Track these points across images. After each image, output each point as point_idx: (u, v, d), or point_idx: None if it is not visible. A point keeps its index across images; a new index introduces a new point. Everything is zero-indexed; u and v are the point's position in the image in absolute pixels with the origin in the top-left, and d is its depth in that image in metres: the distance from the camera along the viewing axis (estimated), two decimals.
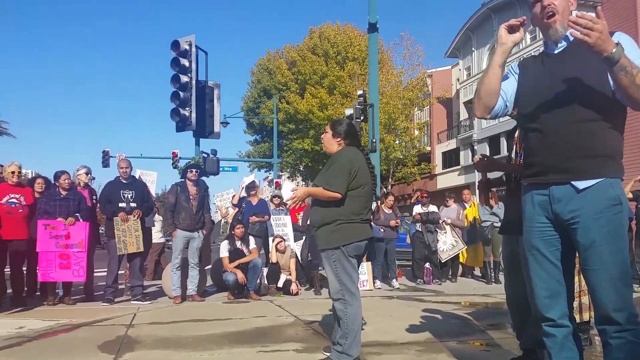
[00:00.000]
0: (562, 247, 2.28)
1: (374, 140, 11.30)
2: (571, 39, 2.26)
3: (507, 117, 3.35)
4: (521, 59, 2.58)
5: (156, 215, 8.99)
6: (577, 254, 2.32)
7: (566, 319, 2.31)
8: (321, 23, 33.28)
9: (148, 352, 4.12)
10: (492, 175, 3.89)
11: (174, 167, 19.62)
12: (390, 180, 29.19)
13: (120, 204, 6.86)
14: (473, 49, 31.28)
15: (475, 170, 3.67)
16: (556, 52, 2.31)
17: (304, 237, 8.88)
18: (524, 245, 2.42)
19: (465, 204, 10.38)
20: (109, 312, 6.01)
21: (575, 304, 3.97)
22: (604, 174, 2.14)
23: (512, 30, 2.27)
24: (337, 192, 3.47)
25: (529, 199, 2.37)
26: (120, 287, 7.48)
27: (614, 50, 1.94)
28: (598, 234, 2.12)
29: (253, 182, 9.47)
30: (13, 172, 6.57)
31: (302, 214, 9.29)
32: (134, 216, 6.77)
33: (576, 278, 2.91)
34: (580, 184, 2.16)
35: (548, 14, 2.23)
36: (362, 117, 11.38)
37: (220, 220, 10.70)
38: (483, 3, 29.58)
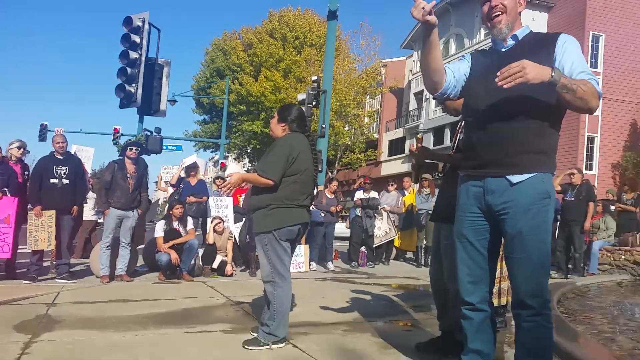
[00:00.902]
0: (490, 236, 2.40)
1: (324, 126, 11.36)
2: (520, 37, 2.38)
3: None
4: (463, 55, 2.66)
5: (89, 192, 8.72)
6: (501, 243, 2.46)
7: (485, 304, 2.45)
8: (282, 7, 32.86)
9: (68, 332, 4.00)
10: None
11: (115, 144, 19.05)
12: (336, 165, 29.45)
13: (53, 180, 6.61)
14: None
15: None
16: (504, 49, 2.40)
17: (244, 219, 8.86)
18: (454, 232, 2.53)
19: (405, 191, 10.67)
20: (31, 291, 5.79)
21: (495, 288, 4.18)
22: (537, 169, 2.26)
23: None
24: (270, 178, 3.51)
25: (464, 189, 2.47)
26: (45, 264, 7.23)
27: (553, 74, 2.07)
28: (525, 225, 2.24)
29: (194, 162, 9.36)
30: None
31: (243, 196, 9.27)
32: (48, 214, 6.52)
33: (499, 265, 3.06)
34: (514, 178, 2.27)
35: (494, 14, 2.33)
36: (314, 103, 11.40)
37: (158, 199, 10.51)
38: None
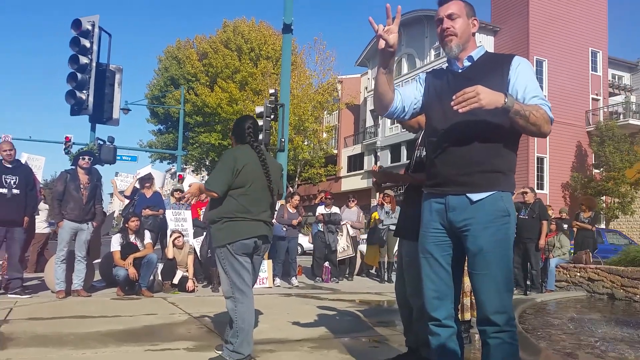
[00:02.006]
0: (453, 252, 2.42)
1: (283, 140, 11.33)
2: (475, 58, 2.44)
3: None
4: (415, 77, 2.70)
5: (41, 203, 8.32)
6: (465, 259, 2.47)
7: (451, 320, 2.46)
8: (236, 17, 32.68)
9: (23, 350, 3.79)
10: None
11: (66, 153, 18.35)
12: (297, 180, 29.43)
13: (1, 190, 6.27)
14: None
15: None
16: (460, 70, 2.46)
17: (204, 233, 8.66)
18: (419, 248, 2.54)
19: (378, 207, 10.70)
20: None
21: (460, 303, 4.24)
22: (496, 188, 2.31)
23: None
24: (212, 190, 3.50)
25: (427, 206, 2.50)
26: None
27: (506, 100, 2.11)
28: (486, 242, 2.28)
29: (149, 174, 9.11)
30: None
31: (204, 209, 9.07)
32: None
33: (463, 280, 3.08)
34: (474, 196, 2.31)
35: (445, 35, 2.41)
36: (272, 116, 11.35)
37: (113, 212, 10.15)
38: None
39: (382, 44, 2.25)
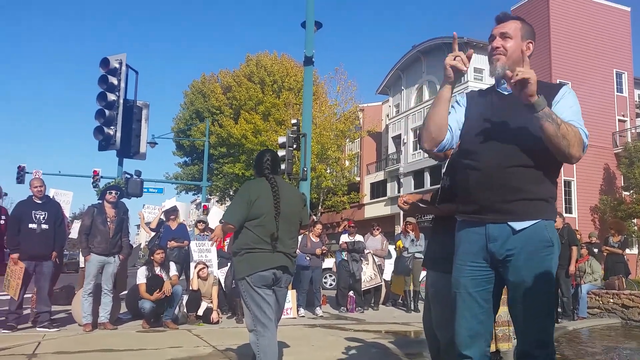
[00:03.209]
0: (490, 286, 2.29)
1: (305, 169, 11.39)
2: None
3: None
4: (465, 92, 2.60)
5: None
6: (501, 294, 2.37)
7: (484, 359, 2.32)
8: (258, 51, 33.40)
9: None
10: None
11: (94, 187, 18.77)
12: (320, 208, 29.42)
13: (31, 225, 6.43)
14: (402, 87, 32.72)
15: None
16: (506, 93, 2.34)
17: (228, 264, 8.69)
18: (452, 282, 2.40)
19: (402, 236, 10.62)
20: (10, 341, 5.52)
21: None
22: (540, 216, 2.20)
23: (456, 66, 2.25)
24: (228, 222, 3.58)
25: (464, 236, 2.36)
26: (25, 312, 6.94)
27: (539, 97, 2.05)
28: (528, 274, 2.17)
29: (174, 206, 9.24)
30: None
31: (228, 240, 9.12)
32: (20, 266, 6.31)
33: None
34: (518, 225, 2.19)
35: (494, 55, 2.32)
36: (294, 146, 11.46)
37: (140, 244, 10.30)
38: (413, 45, 31.11)
39: (451, 71, 2.23)
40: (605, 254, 9.71)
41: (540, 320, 2.18)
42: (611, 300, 8.32)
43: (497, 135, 2.21)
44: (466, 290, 2.30)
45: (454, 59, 2.23)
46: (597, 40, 26.44)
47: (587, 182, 24.88)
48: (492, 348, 4.31)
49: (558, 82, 24.68)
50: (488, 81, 26.21)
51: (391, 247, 10.91)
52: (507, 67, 2.28)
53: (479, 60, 27.70)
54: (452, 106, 2.49)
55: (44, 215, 6.56)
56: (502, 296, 2.47)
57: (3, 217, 6.88)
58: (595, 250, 9.96)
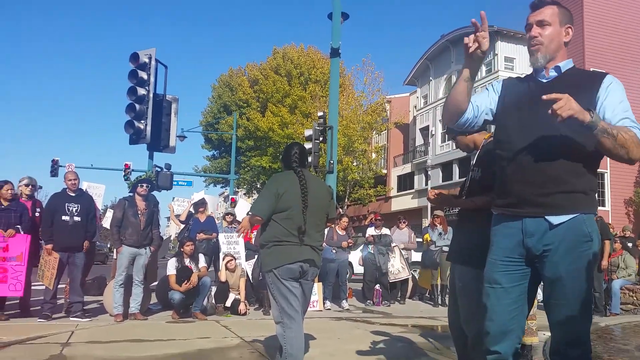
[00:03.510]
0: (525, 282, 2.25)
1: (332, 162, 11.39)
2: (563, 70, 2.27)
3: None
4: (502, 79, 2.53)
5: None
6: (536, 290, 2.33)
7: (513, 356, 2.28)
8: (285, 44, 33.44)
9: None
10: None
11: (126, 180, 19.16)
12: (346, 201, 29.40)
13: (64, 217, 6.61)
14: (431, 78, 32.26)
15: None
16: (545, 81, 2.28)
17: (256, 256, 8.77)
18: (485, 276, 2.36)
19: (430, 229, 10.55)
20: (45, 330, 5.69)
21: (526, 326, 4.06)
22: (579, 210, 2.13)
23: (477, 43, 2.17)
24: (256, 214, 3.60)
25: (500, 230, 2.31)
26: (59, 302, 7.15)
27: (592, 116, 1.95)
28: (566, 270, 2.11)
29: (202, 199, 9.35)
30: None
31: (255, 233, 9.20)
32: (54, 256, 6.49)
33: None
34: (555, 219, 2.13)
35: (532, 45, 2.26)
36: (321, 138, 11.47)
37: (170, 236, 10.49)
38: (442, 35, 30.65)
39: (473, 47, 2.14)
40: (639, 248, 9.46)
41: (576, 317, 2.12)
42: None
43: (535, 125, 2.15)
44: (500, 286, 2.26)
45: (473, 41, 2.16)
46: (632, 29, 25.56)
47: (621, 174, 24.17)
48: (527, 341, 4.26)
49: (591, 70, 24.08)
50: (519, 70, 25.67)
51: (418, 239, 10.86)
52: (548, 56, 2.23)
53: (510, 49, 27.18)
54: (486, 88, 2.46)
55: (76, 208, 6.73)
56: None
57: (38, 209, 7.09)
58: (630, 244, 9.69)
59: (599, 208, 20.77)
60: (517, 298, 2.25)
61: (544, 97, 1.95)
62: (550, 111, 1.93)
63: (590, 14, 24.90)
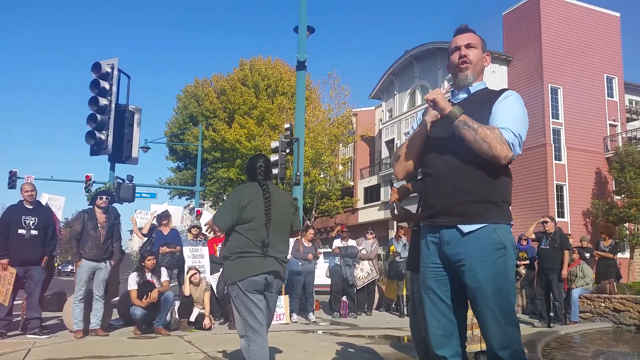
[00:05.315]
0: (454, 287, 2.36)
1: (298, 174, 11.39)
2: (472, 92, 2.47)
3: None
4: (412, 123, 2.78)
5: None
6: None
7: (458, 358, 2.38)
8: (252, 56, 33.37)
9: None
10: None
11: (87, 192, 18.65)
12: (314, 212, 29.38)
13: (20, 230, 6.39)
14: (395, 92, 32.84)
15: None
16: (456, 101, 2.48)
17: (221, 270, 8.65)
18: (420, 284, 2.49)
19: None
20: None
21: (470, 334, 4.12)
22: (488, 220, 2.26)
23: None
24: (216, 225, 3.60)
25: (424, 241, 2.47)
26: (15, 319, 6.87)
27: (454, 110, 2.25)
28: (483, 277, 2.22)
29: (166, 211, 9.19)
30: None
31: (220, 245, 9.09)
32: (10, 271, 6.27)
33: (469, 311, 3.01)
34: (465, 228, 2.27)
35: (462, 62, 2.45)
36: (287, 150, 11.47)
37: (134, 250, 10.25)
38: (406, 50, 31.24)
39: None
40: (596, 258, 9.76)
41: (499, 322, 2.22)
42: (603, 305, 8.36)
43: (446, 142, 2.33)
44: (433, 292, 2.39)
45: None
46: (587, 45, 26.62)
47: (579, 187, 25.00)
48: (477, 347, 4.32)
49: (550, 87, 24.89)
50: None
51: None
52: (475, 75, 2.45)
53: None
54: (412, 127, 2.69)
55: (33, 221, 6.51)
56: None
57: None
58: (587, 254, 10.01)
59: (559, 219, 21.40)
60: (449, 302, 2.37)
61: (426, 95, 2.37)
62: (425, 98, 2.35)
63: (547, 32, 25.82)
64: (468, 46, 2.46)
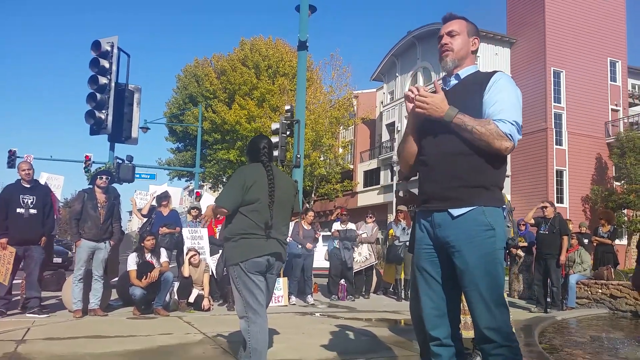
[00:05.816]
0: (447, 269, 2.41)
1: (298, 156, 11.34)
2: (462, 77, 2.50)
3: None
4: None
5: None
6: None
7: (451, 339, 2.43)
8: (253, 36, 33.00)
9: None
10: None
11: (86, 172, 18.63)
12: (313, 195, 29.40)
13: (19, 209, 6.38)
14: (397, 74, 32.52)
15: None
16: (447, 88, 2.52)
17: (220, 251, 8.68)
18: (414, 266, 2.57)
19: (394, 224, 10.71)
20: None
21: (463, 320, 4.14)
22: (477, 203, 2.31)
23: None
24: (221, 206, 3.53)
25: (418, 224, 2.56)
26: (15, 298, 6.91)
27: (446, 113, 2.28)
28: (471, 258, 2.28)
29: (165, 192, 9.17)
30: None
31: (220, 227, 9.10)
32: (9, 250, 6.28)
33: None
34: (455, 211, 2.33)
35: (443, 51, 2.51)
36: (288, 132, 11.40)
37: (133, 231, 10.26)
38: (408, 31, 30.90)
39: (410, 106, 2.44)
40: (594, 244, 9.78)
41: (486, 303, 2.25)
42: (600, 291, 8.39)
43: (438, 128, 2.38)
44: (427, 272, 2.46)
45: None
46: (591, 29, 26.37)
47: (579, 172, 24.98)
48: (472, 334, 4.33)
49: (552, 70, 24.69)
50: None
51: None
52: (456, 61, 2.50)
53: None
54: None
55: (32, 200, 6.50)
56: None
57: None
58: (585, 240, 10.03)
59: (558, 205, 21.43)
60: (445, 283, 2.43)
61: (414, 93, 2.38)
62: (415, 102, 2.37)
63: (551, 14, 25.56)
64: (450, 34, 2.50)
